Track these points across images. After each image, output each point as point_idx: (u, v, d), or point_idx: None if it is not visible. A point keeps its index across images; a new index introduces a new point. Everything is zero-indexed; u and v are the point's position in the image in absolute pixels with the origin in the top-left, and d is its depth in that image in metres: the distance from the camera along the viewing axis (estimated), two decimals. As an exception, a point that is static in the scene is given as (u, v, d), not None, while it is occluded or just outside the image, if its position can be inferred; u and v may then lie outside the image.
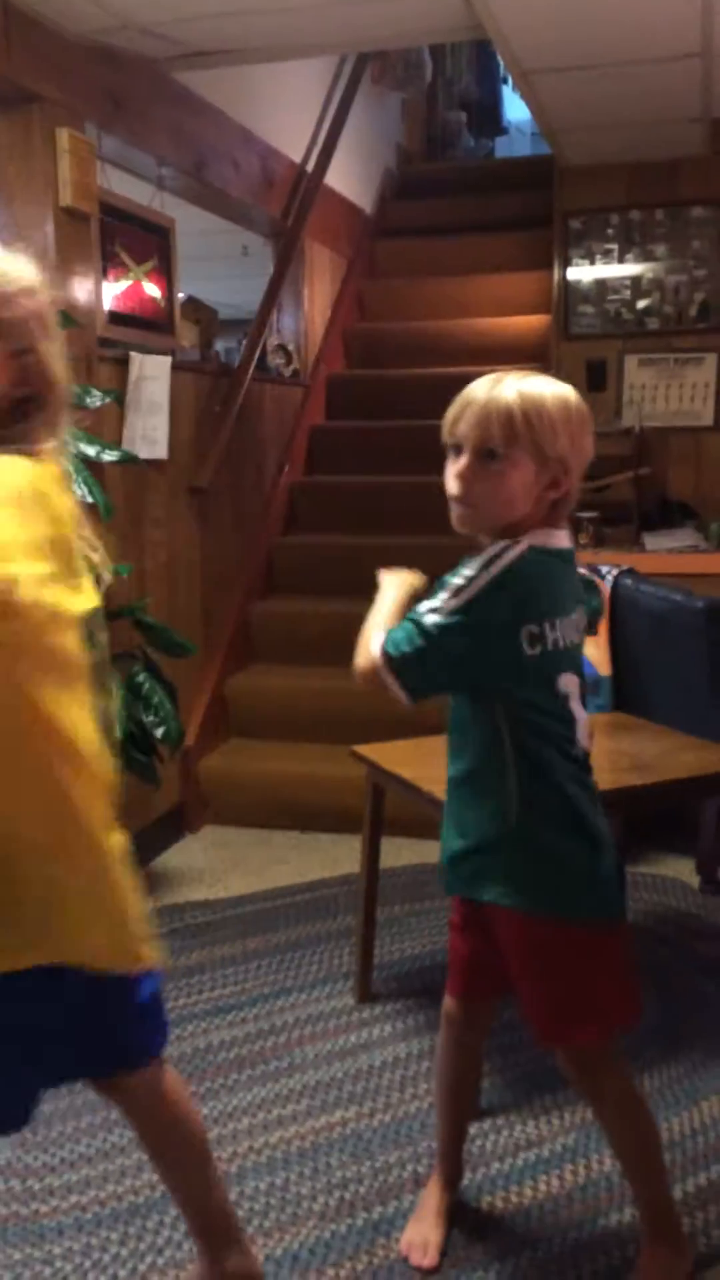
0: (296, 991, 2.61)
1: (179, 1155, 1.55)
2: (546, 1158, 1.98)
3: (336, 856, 3.39)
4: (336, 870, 3.28)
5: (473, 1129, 2.06)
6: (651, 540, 4.34)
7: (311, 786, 3.68)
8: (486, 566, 1.41)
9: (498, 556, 1.42)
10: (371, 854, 2.54)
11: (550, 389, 1.44)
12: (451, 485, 1.46)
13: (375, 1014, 2.49)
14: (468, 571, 1.41)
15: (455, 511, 1.47)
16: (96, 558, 1.36)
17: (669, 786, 2.21)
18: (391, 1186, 1.92)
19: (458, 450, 1.46)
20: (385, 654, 1.42)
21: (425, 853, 3.36)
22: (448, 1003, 1.75)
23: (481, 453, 1.43)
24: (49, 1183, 1.94)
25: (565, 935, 1.52)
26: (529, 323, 5.12)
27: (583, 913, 1.52)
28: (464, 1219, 1.83)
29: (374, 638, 1.45)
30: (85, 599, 1.31)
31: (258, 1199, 1.89)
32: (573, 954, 1.54)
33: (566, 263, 4.81)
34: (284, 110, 4.52)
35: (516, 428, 1.40)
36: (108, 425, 3.21)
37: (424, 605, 1.43)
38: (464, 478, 1.44)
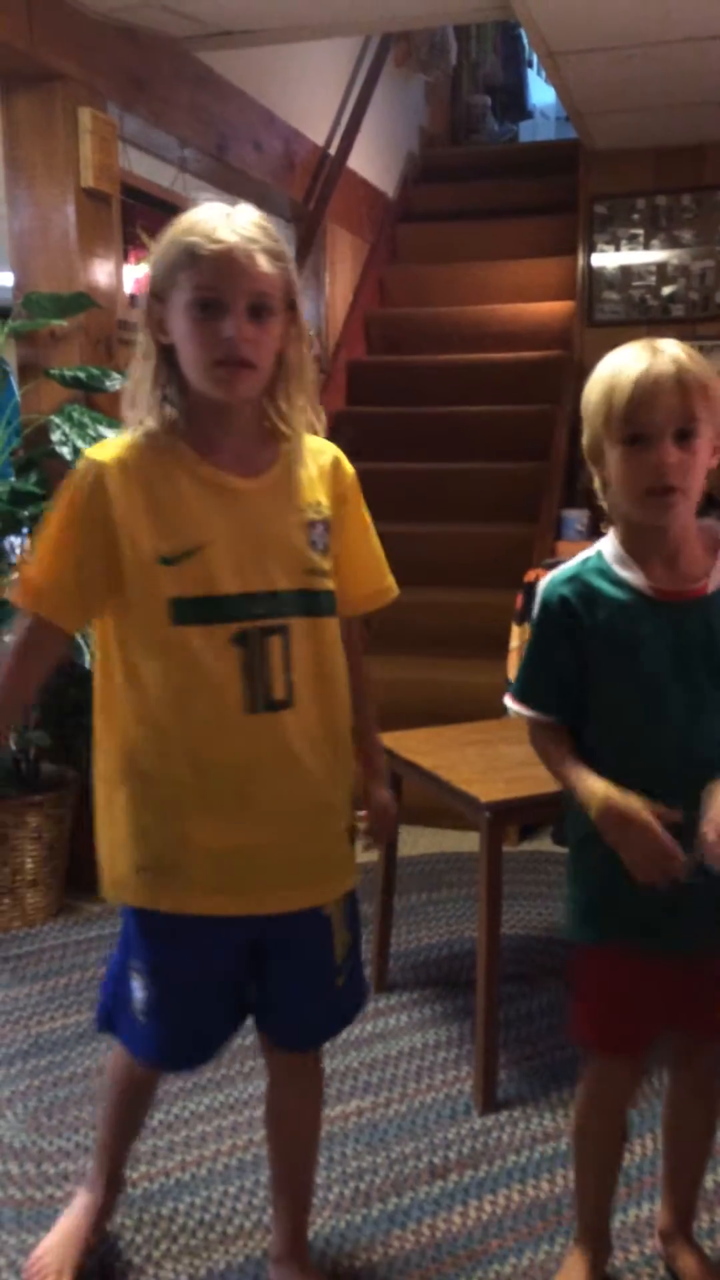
0: (312, 979, 2.60)
1: None
2: (564, 1151, 1.96)
3: (353, 844, 3.37)
4: (353, 858, 3.26)
5: (489, 1120, 2.05)
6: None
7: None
8: None
9: None
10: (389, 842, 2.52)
11: (687, 345, 1.34)
12: (665, 478, 1.30)
13: (391, 1003, 2.48)
14: None
15: (671, 505, 1.32)
16: None
17: None
18: (407, 1177, 1.90)
19: (637, 440, 1.30)
20: None
21: (443, 842, 3.34)
22: (630, 1069, 1.55)
23: (679, 434, 1.30)
24: (64, 1167, 1.93)
25: None
26: (552, 309, 5.07)
27: None
28: (481, 1210, 1.82)
29: None
30: None
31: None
32: None
33: (591, 248, 4.76)
34: (307, 92, 4.48)
35: (709, 395, 1.29)
36: (127, 409, 3.19)
37: None
38: (677, 467, 1.30)
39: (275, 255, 1.30)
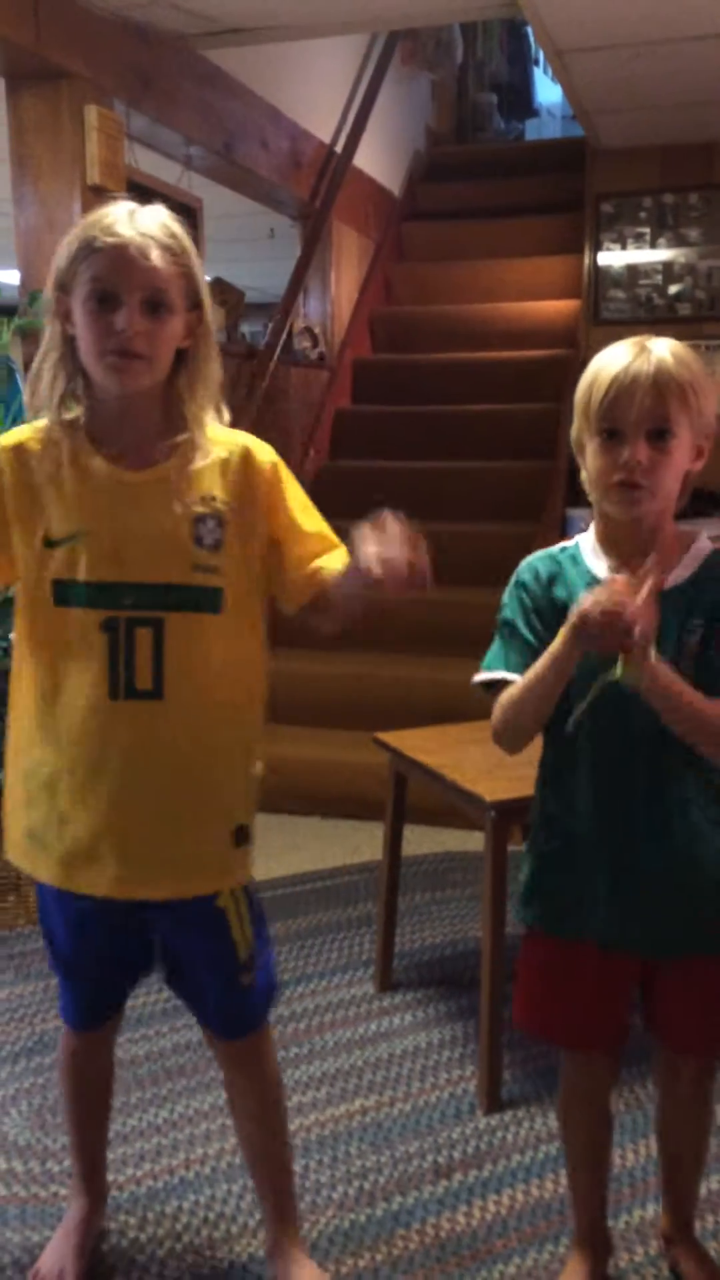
0: (316, 978, 2.60)
1: None
2: (568, 1151, 1.96)
3: (357, 843, 3.37)
4: (357, 857, 3.26)
5: (493, 1120, 2.05)
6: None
7: (333, 772, 3.66)
8: None
9: None
10: (393, 841, 2.52)
11: (683, 346, 1.34)
12: (629, 475, 1.31)
13: (395, 1002, 2.48)
14: None
15: (635, 501, 1.32)
16: None
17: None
18: (411, 1176, 1.90)
19: (612, 435, 1.32)
20: None
21: (447, 841, 3.34)
22: (600, 1059, 1.55)
23: (653, 433, 1.30)
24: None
25: None
26: (558, 308, 5.06)
27: None
28: (485, 1210, 1.81)
29: None
30: None
31: (276, 1186, 1.88)
32: None
33: (598, 247, 4.76)
34: (313, 90, 4.48)
35: (688, 399, 1.30)
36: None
37: None
38: (642, 465, 1.30)
39: (173, 252, 1.33)
